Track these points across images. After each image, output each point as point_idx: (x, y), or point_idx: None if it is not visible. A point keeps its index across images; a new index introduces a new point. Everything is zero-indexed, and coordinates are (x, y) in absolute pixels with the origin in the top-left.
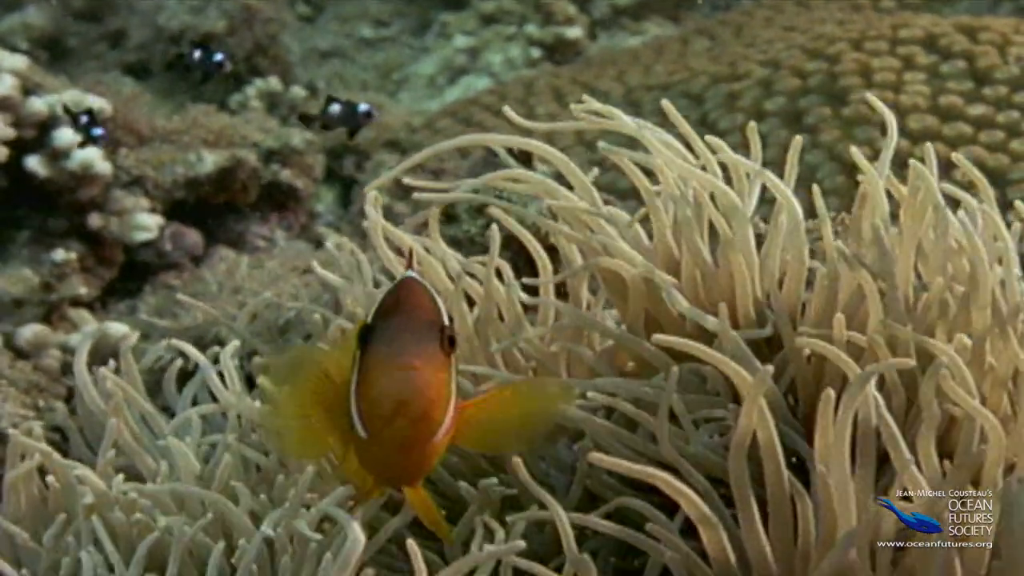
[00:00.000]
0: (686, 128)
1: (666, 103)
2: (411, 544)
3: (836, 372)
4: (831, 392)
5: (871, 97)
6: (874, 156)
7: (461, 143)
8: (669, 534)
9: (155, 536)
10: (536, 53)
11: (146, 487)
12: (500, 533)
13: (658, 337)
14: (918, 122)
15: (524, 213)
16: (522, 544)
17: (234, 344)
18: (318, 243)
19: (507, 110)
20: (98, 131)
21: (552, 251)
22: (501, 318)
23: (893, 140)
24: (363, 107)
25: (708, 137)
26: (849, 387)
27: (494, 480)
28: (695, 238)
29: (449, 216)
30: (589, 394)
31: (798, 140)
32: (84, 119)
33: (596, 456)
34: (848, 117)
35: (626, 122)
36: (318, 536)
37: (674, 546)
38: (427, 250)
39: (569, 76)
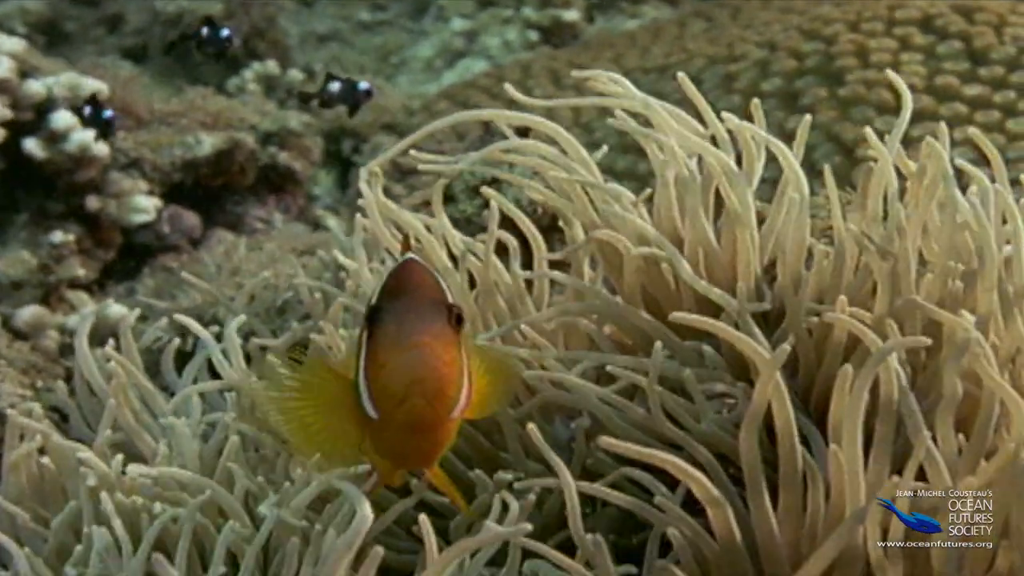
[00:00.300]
0: (700, 101)
1: (682, 76)
2: (423, 519)
3: (838, 346)
4: (849, 368)
5: (891, 74)
6: None
7: (458, 119)
8: (675, 508)
9: (167, 517)
10: (533, 36)
11: (148, 471)
12: (514, 506)
13: (676, 315)
14: (914, 102)
15: (526, 183)
16: (528, 527)
17: (239, 319)
18: (316, 225)
19: (508, 87)
20: (108, 113)
21: (546, 231)
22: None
23: (906, 117)
24: (363, 85)
25: (724, 114)
26: (865, 364)
27: (509, 473)
28: (699, 213)
29: (445, 196)
30: (608, 368)
31: (807, 119)
32: (88, 110)
33: (606, 440)
34: (844, 97)
35: (633, 92)
36: (302, 523)
37: (682, 521)
38: (428, 228)
39: (566, 59)
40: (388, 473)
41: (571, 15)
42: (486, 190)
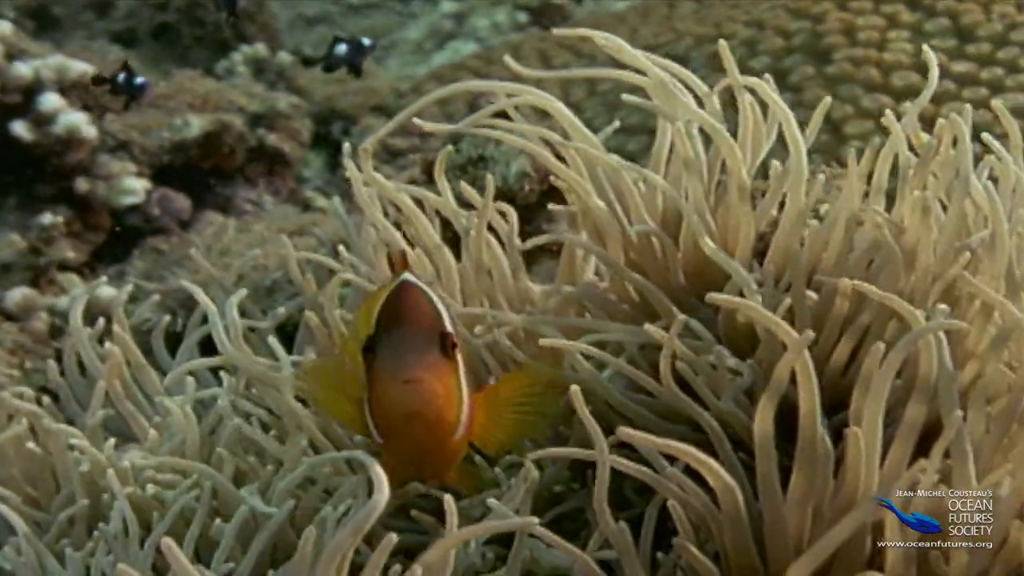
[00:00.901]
0: (735, 75)
1: (722, 43)
2: (448, 499)
3: (836, 321)
4: (881, 346)
5: (926, 49)
6: (857, 114)
7: (454, 90)
8: (689, 482)
9: (178, 508)
10: (522, 17)
11: (151, 461)
12: (533, 474)
13: (713, 296)
14: (902, 79)
15: (523, 144)
16: (536, 520)
17: (241, 292)
18: (306, 206)
19: (507, 59)
20: (140, 80)
21: (533, 208)
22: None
23: (930, 91)
24: (367, 41)
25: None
26: (899, 344)
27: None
28: (700, 190)
29: (432, 176)
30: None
31: (827, 101)
32: (122, 76)
33: (626, 432)
34: (832, 75)
35: (635, 55)
36: (272, 510)
37: (693, 494)
38: (419, 203)
39: (555, 40)
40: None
41: None
42: (464, 187)
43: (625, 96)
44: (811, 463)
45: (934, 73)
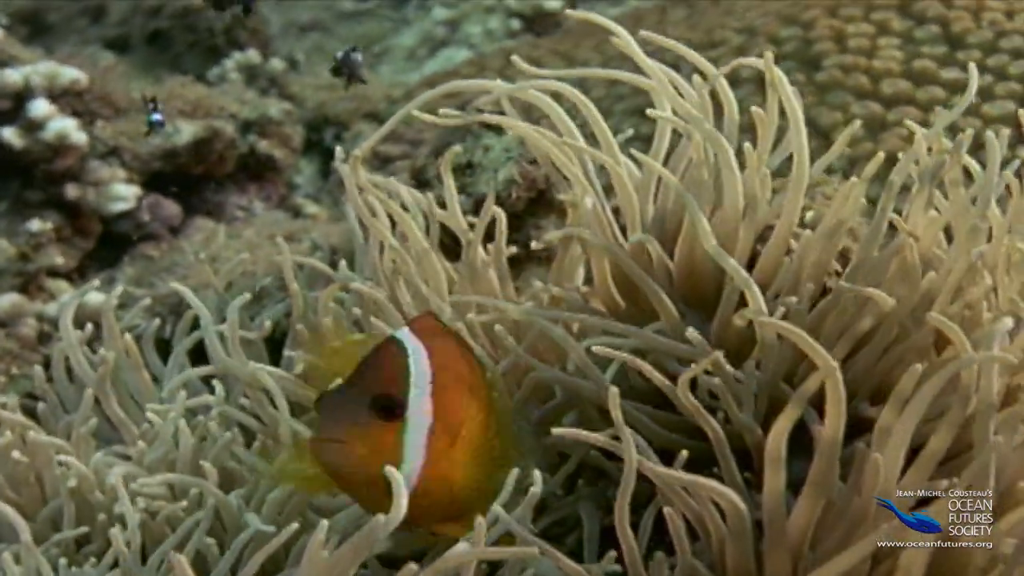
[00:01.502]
0: (773, 73)
1: (768, 55)
2: (479, 521)
3: (833, 332)
4: (919, 367)
5: (971, 65)
6: (846, 121)
7: (454, 87)
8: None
9: (189, 524)
10: (516, 24)
11: (144, 480)
12: (538, 483)
13: (747, 311)
14: (891, 87)
15: (530, 135)
16: (536, 550)
17: (244, 297)
18: (297, 213)
19: (515, 58)
20: (157, 116)
21: (521, 215)
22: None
23: (966, 103)
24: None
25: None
26: (941, 371)
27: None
28: (704, 196)
29: (420, 180)
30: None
31: (856, 124)
32: (151, 105)
33: (649, 467)
34: (822, 82)
35: (634, 49)
36: (271, 528)
37: (703, 507)
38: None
39: (548, 47)
40: None
41: (553, 3)
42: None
43: (650, 111)
44: (822, 489)
45: (972, 88)
